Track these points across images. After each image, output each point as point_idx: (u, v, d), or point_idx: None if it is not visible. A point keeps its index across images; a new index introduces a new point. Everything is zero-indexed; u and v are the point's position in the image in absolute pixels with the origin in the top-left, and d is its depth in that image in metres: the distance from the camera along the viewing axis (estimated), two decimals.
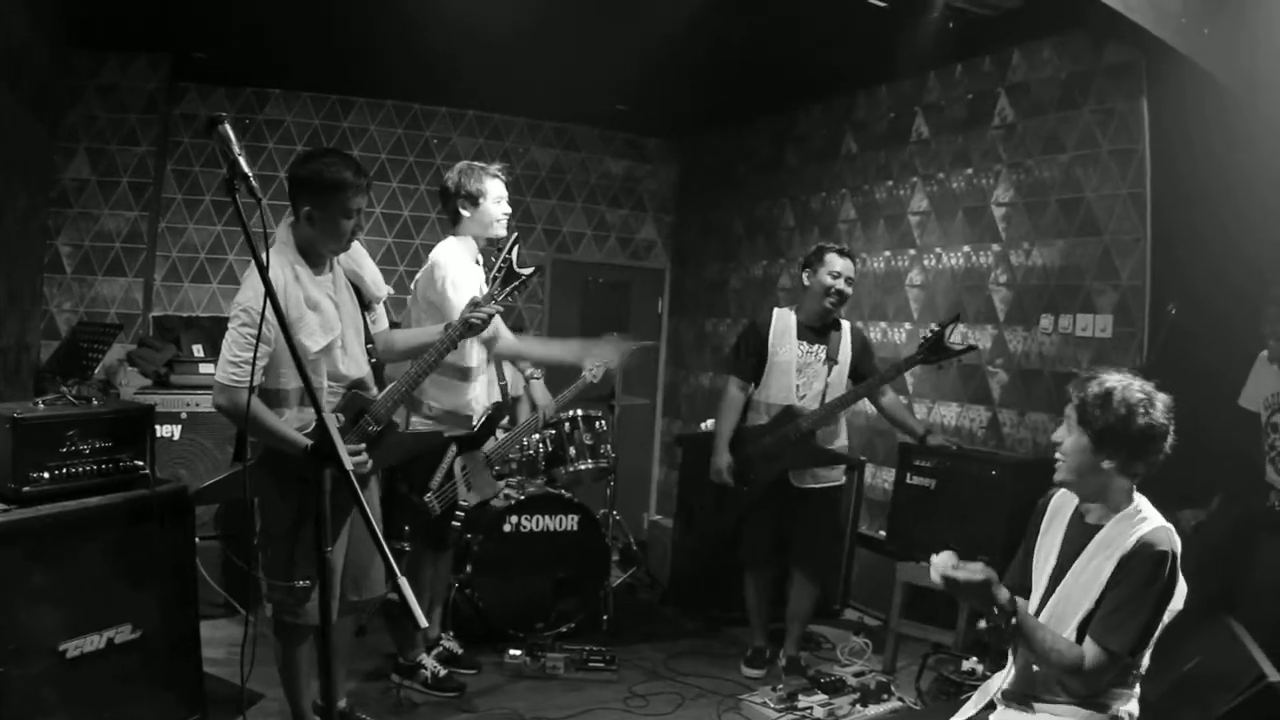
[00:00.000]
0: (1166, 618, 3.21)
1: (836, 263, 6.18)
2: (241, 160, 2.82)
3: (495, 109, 10.27)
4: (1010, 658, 3.52)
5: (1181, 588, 3.22)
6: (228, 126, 2.82)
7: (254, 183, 2.84)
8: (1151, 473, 3.31)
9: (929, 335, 5.83)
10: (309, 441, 3.97)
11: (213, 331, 6.99)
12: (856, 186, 8.73)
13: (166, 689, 4.57)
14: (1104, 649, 3.12)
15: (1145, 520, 3.25)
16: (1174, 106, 6.06)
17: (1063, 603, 3.33)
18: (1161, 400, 3.26)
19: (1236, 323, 5.75)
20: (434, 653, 5.93)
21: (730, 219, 10.54)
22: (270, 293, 2.88)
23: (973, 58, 7.50)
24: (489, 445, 5.67)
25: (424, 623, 2.63)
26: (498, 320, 5.19)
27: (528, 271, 4.64)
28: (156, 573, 4.55)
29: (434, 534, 5.58)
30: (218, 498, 4.41)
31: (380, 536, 2.72)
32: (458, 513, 5.56)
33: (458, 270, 5.38)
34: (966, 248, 7.54)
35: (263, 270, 2.91)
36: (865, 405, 6.60)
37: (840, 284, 6.16)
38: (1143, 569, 3.14)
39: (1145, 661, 3.27)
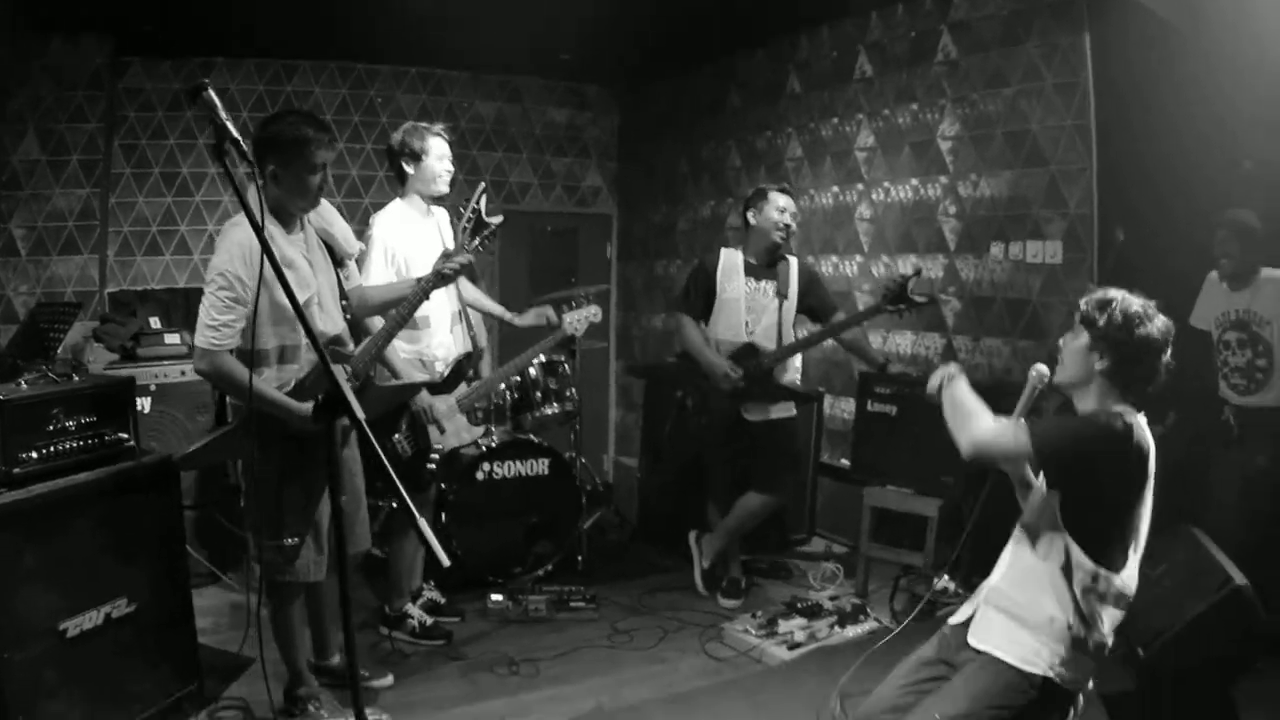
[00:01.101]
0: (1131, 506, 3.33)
1: (780, 199, 6.38)
2: (230, 125, 2.85)
3: (437, 64, 10.25)
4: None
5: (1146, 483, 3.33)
6: (212, 93, 2.85)
7: (245, 148, 2.89)
8: (1145, 391, 3.42)
9: (891, 286, 5.98)
10: (306, 408, 4.08)
11: (169, 304, 6.99)
12: (802, 125, 8.85)
13: (163, 660, 4.60)
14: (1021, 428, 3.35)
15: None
16: (1116, 40, 6.21)
17: None
18: (1162, 319, 3.38)
19: (1184, 245, 5.95)
20: (419, 602, 6.02)
21: (675, 162, 10.63)
22: (267, 250, 2.89)
23: None
24: (459, 391, 5.75)
25: (447, 561, 2.71)
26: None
27: (497, 220, 4.74)
28: (146, 544, 4.56)
29: (409, 476, 5.59)
30: (202, 462, 4.42)
31: (400, 484, 2.72)
32: (433, 455, 5.64)
33: (386, 231, 5.49)
34: (914, 181, 7.69)
35: (259, 231, 2.93)
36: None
37: (787, 218, 6.36)
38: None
39: (1118, 580, 3.32)
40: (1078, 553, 3.29)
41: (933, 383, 3.69)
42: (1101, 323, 3.37)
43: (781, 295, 6.39)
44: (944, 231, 7.41)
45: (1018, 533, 3.58)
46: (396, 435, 5.55)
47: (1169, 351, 3.39)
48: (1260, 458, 5.56)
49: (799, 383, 6.78)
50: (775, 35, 9.05)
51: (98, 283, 8.62)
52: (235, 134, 2.86)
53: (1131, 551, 3.34)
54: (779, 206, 6.35)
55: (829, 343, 6.95)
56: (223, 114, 2.86)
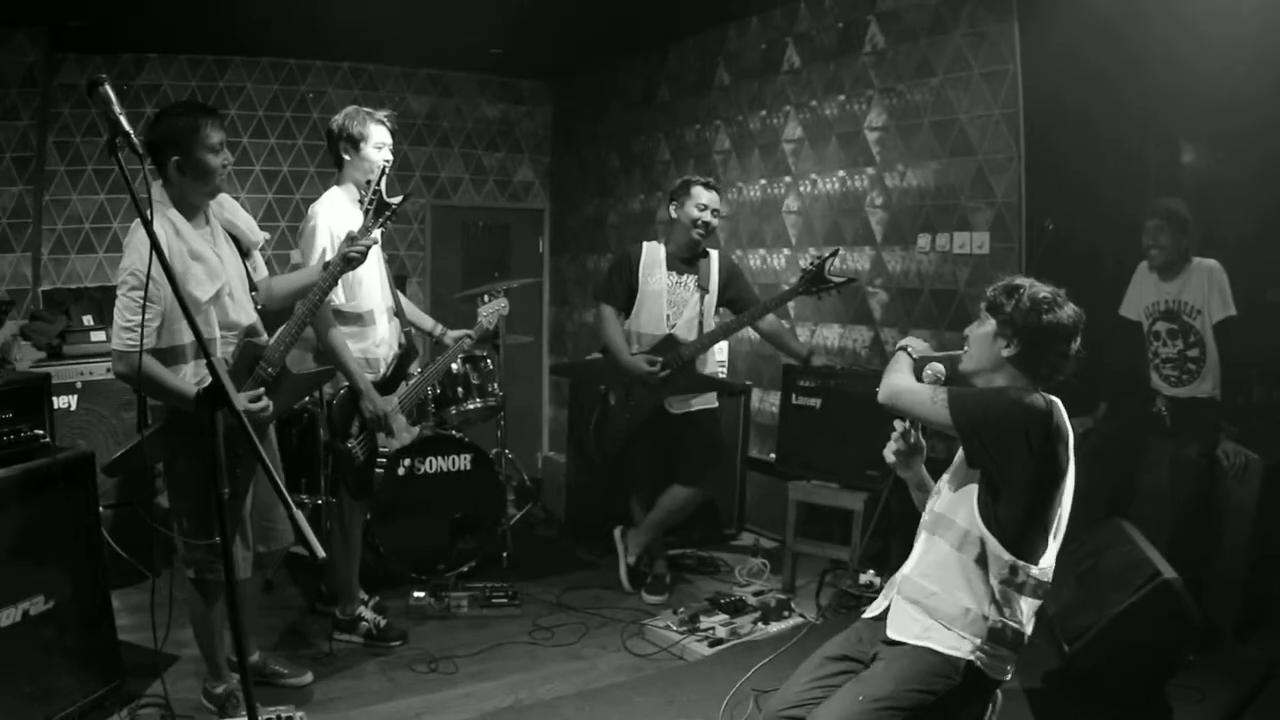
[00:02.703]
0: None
1: (703, 195, 6.28)
2: (123, 120, 2.81)
3: (369, 59, 10.18)
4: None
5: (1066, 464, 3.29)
6: (108, 88, 2.82)
7: (136, 142, 2.83)
8: (1053, 379, 3.38)
9: (810, 268, 5.89)
10: (191, 388, 4.04)
11: (102, 301, 6.87)
12: (730, 117, 8.79)
13: (83, 658, 4.53)
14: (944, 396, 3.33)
15: None
16: (1045, 28, 6.17)
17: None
18: (1071, 306, 3.35)
19: (1114, 235, 5.93)
20: (371, 604, 5.92)
21: (606, 156, 10.57)
22: (157, 250, 2.86)
23: None
24: (400, 391, 5.64)
25: (321, 553, 2.65)
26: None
27: (396, 200, 4.68)
28: (63, 541, 4.50)
29: (359, 481, 5.52)
30: (129, 466, 4.33)
31: (276, 475, 2.74)
32: (379, 459, 5.53)
33: (328, 216, 5.30)
34: (841, 172, 7.63)
35: (148, 226, 2.88)
36: (748, 332, 6.67)
37: (707, 215, 6.27)
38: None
39: (1036, 569, 3.27)
40: (995, 545, 3.23)
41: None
42: (1008, 309, 3.35)
43: (703, 289, 6.34)
44: (871, 223, 7.36)
45: (928, 520, 3.53)
46: (350, 441, 5.42)
47: (1078, 339, 3.35)
48: (1191, 449, 5.55)
49: (723, 375, 6.70)
50: (705, 27, 9.00)
51: (31, 280, 8.51)
52: (128, 128, 2.81)
53: (1051, 539, 3.29)
54: (700, 203, 6.27)
55: (756, 337, 6.88)
56: (117, 109, 2.82)
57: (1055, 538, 3.30)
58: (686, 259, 6.38)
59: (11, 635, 4.16)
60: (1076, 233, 5.86)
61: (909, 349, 3.75)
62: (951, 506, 3.41)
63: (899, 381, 3.54)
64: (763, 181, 8.40)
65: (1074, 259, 5.78)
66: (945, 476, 3.57)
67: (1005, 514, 3.23)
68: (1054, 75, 6.15)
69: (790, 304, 7.81)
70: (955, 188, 6.71)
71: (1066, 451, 3.25)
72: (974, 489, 3.32)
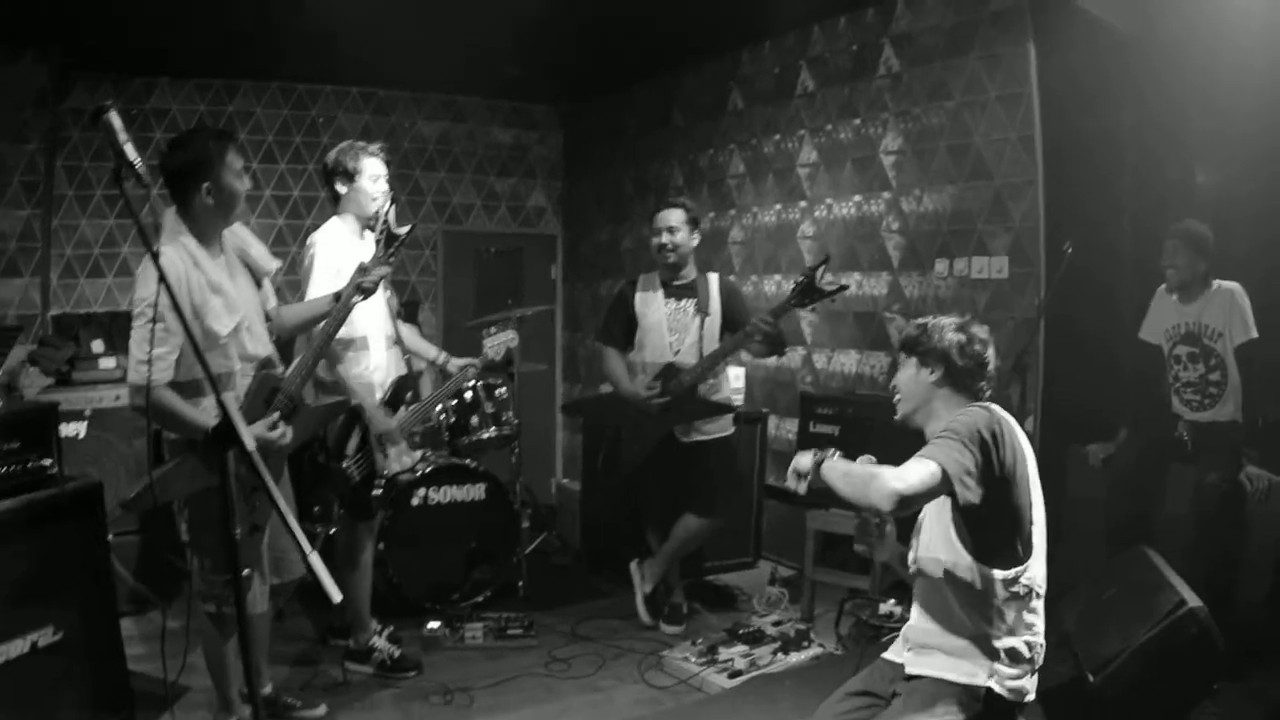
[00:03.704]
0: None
1: (659, 219, 6.29)
2: (128, 149, 2.74)
3: (379, 84, 10.14)
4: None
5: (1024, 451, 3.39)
6: (113, 115, 2.75)
7: (141, 171, 2.76)
8: (981, 387, 3.58)
9: (800, 280, 5.76)
10: (211, 423, 3.99)
11: (110, 327, 6.88)
12: (744, 142, 8.74)
13: (93, 689, 4.51)
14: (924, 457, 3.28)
15: None
16: (1061, 50, 6.13)
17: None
18: (978, 325, 3.63)
19: (1134, 257, 5.88)
20: (385, 634, 5.88)
21: (620, 181, 10.53)
22: (165, 281, 2.82)
23: (856, 10, 7.52)
24: (400, 415, 5.61)
25: (337, 597, 2.63)
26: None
27: (404, 230, 4.72)
28: (72, 572, 4.48)
29: (357, 502, 5.52)
30: (146, 504, 4.28)
31: (288, 516, 2.71)
32: (377, 482, 5.50)
33: (328, 248, 5.32)
34: (857, 197, 7.58)
35: (155, 259, 2.84)
36: (768, 359, 6.61)
37: (663, 237, 6.25)
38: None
39: (1032, 578, 3.33)
40: (982, 568, 3.31)
41: (800, 464, 3.47)
42: (924, 341, 3.61)
43: (703, 312, 6.26)
44: (888, 248, 7.30)
45: (915, 567, 3.60)
46: (346, 461, 5.40)
47: (990, 348, 3.59)
48: (1213, 474, 5.46)
49: (739, 402, 6.64)
50: (718, 51, 8.96)
51: (39, 305, 8.50)
52: (132, 158, 2.74)
53: (1034, 536, 3.37)
54: (656, 228, 6.29)
55: (773, 362, 6.82)
56: (122, 137, 2.75)
57: (1037, 533, 3.38)
58: (685, 285, 6.34)
59: (19, 667, 4.15)
60: (1096, 256, 5.81)
61: (828, 456, 3.51)
62: (930, 546, 3.49)
63: (892, 482, 3.18)
64: (778, 206, 8.35)
65: (1093, 283, 5.73)
66: (920, 518, 3.62)
67: (982, 534, 3.32)
68: (1071, 97, 6.11)
69: (806, 330, 7.79)
70: (973, 212, 6.65)
71: (1019, 441, 3.40)
72: (948, 522, 3.39)
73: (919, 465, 3.19)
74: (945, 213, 6.87)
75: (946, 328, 3.56)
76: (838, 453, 3.45)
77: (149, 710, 4.88)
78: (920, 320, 3.69)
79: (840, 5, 7.47)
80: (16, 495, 4.29)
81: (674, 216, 6.24)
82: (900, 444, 3.62)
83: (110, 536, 4.94)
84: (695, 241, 6.32)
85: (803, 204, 8.10)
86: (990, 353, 3.57)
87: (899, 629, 3.70)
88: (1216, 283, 5.53)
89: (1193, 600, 4.19)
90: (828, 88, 7.84)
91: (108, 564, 4.78)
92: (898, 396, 3.71)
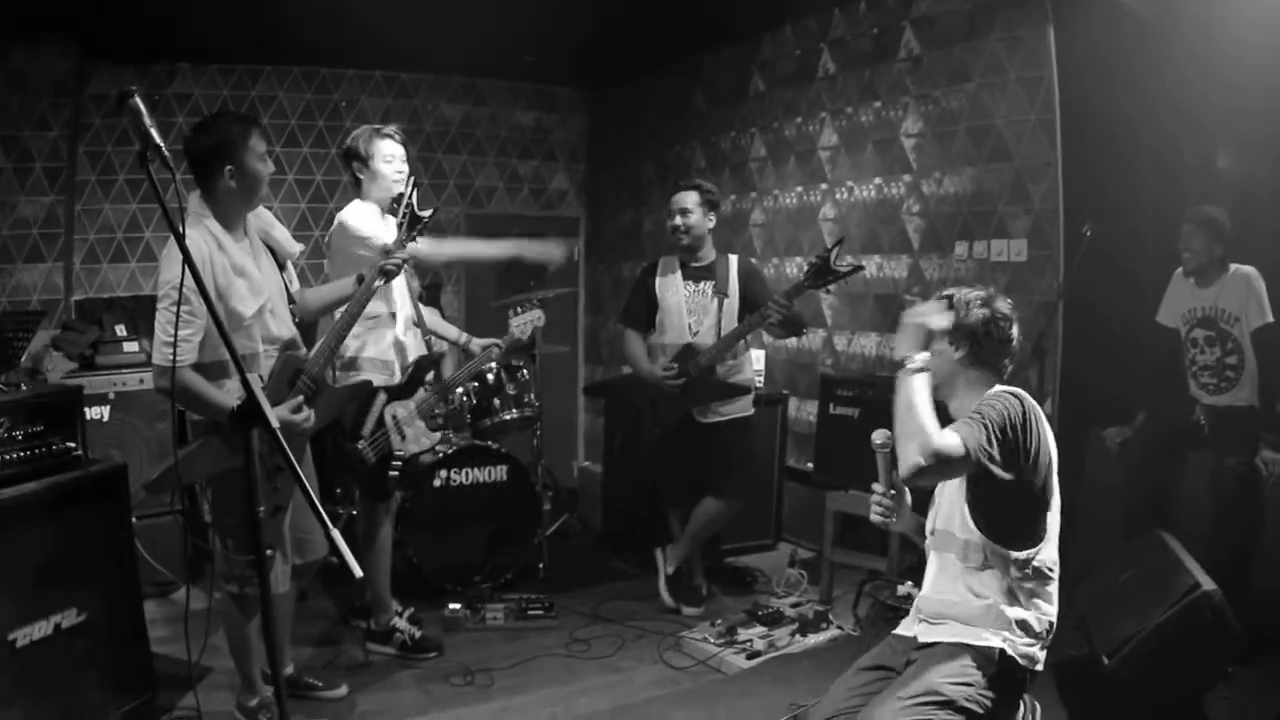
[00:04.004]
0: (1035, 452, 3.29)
1: (673, 201, 6.32)
2: (154, 133, 2.74)
3: (401, 68, 10.16)
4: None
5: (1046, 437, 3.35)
6: (138, 100, 2.75)
7: (167, 155, 2.76)
8: (1006, 364, 3.54)
9: (816, 260, 5.79)
10: (234, 404, 4.02)
11: (134, 311, 6.91)
12: (766, 125, 8.75)
13: (116, 670, 4.53)
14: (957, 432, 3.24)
15: None
16: (1081, 32, 6.12)
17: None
18: (1002, 299, 3.53)
19: (1153, 240, 5.86)
20: (406, 615, 5.91)
21: (642, 164, 10.54)
22: (190, 264, 2.82)
23: None
24: (419, 396, 5.64)
25: (359, 573, 2.63)
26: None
27: (428, 212, 4.75)
28: (96, 554, 4.50)
29: (374, 483, 5.55)
30: (169, 486, 4.32)
31: (314, 495, 2.70)
32: (394, 462, 5.53)
33: (361, 220, 5.37)
34: (878, 179, 7.58)
35: (180, 241, 2.84)
36: (787, 340, 6.61)
37: (677, 219, 6.27)
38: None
39: (1044, 559, 3.34)
40: (996, 546, 3.32)
41: (916, 319, 3.46)
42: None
43: (721, 294, 6.28)
44: (908, 231, 7.30)
45: (932, 540, 3.62)
46: (361, 441, 5.44)
47: (1015, 324, 3.51)
48: (1230, 458, 5.45)
49: (760, 384, 6.65)
50: (740, 35, 8.95)
51: (63, 290, 8.58)
52: (159, 141, 2.74)
53: (1050, 521, 3.38)
54: (671, 210, 6.32)
55: (793, 344, 6.82)
56: (148, 121, 2.75)
57: (1053, 519, 3.39)
58: (703, 267, 6.36)
59: (43, 648, 4.17)
60: (1115, 239, 5.80)
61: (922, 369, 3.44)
62: (947, 520, 3.50)
63: (938, 442, 3.15)
64: (799, 189, 8.35)
65: (1113, 266, 5.72)
66: (936, 491, 3.64)
67: (999, 518, 3.32)
68: (1090, 80, 6.09)
69: (827, 312, 7.79)
70: (993, 194, 6.64)
71: (1045, 427, 3.36)
72: (962, 499, 3.40)
73: (952, 437, 3.19)
74: (965, 195, 6.86)
75: (973, 303, 3.48)
76: (928, 373, 3.37)
77: (172, 691, 4.92)
78: (945, 292, 3.61)
79: None
80: (41, 478, 4.30)
81: (688, 199, 6.26)
82: None
83: (135, 519, 4.96)
84: (711, 223, 6.32)
85: (824, 186, 8.10)
86: (1015, 330, 3.51)
87: None
88: (1233, 267, 5.51)
89: (1208, 584, 4.18)
90: (848, 71, 7.84)
91: (131, 546, 4.81)
92: None
